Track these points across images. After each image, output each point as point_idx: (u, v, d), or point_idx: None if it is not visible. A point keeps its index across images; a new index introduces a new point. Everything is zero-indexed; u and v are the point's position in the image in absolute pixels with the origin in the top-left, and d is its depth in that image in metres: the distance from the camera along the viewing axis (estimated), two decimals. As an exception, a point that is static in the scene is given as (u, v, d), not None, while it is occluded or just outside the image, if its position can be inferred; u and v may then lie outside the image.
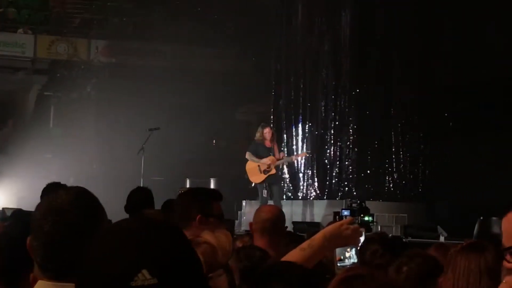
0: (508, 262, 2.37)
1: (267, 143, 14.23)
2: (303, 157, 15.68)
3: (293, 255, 3.10)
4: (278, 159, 14.20)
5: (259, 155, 14.21)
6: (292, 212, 15.61)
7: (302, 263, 3.01)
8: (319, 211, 15.33)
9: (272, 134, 14.36)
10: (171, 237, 1.54)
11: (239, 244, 5.07)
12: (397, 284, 1.90)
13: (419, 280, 3.87)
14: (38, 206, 2.26)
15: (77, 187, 2.35)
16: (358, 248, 3.36)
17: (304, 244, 3.14)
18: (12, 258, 2.74)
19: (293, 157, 15.03)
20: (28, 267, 2.28)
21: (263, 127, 14.50)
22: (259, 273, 2.16)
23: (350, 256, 3.19)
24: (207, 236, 3.36)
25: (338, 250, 3.18)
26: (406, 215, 14.54)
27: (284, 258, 3.06)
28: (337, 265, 3.19)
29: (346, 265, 3.13)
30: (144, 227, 1.54)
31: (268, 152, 14.18)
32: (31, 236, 2.22)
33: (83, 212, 2.23)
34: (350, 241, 3.21)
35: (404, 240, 11.76)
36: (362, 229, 3.30)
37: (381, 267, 4.51)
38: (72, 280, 2.14)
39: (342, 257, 3.17)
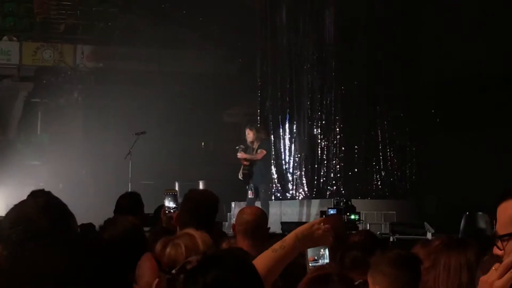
0: (500, 249, 2.41)
1: (254, 145, 14.24)
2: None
3: (265, 256, 3.13)
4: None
5: None
6: (281, 212, 15.63)
7: (275, 264, 3.05)
8: (308, 211, 15.34)
9: (254, 134, 14.29)
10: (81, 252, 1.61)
11: (225, 246, 5.07)
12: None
13: None
14: (7, 215, 2.26)
15: (46, 194, 2.35)
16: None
17: (276, 245, 3.17)
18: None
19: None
20: None
21: (245, 130, 14.64)
22: (197, 262, 2.19)
23: (324, 256, 3.21)
24: (187, 230, 3.40)
25: (310, 251, 3.21)
26: (394, 212, 14.56)
27: (256, 259, 3.08)
28: (309, 265, 3.22)
29: (319, 265, 3.17)
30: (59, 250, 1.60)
31: (252, 153, 14.23)
32: (1, 245, 2.23)
33: (51, 221, 2.23)
34: (322, 242, 3.23)
35: (391, 238, 11.82)
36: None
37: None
38: None
39: (316, 257, 3.19)
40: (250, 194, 14.27)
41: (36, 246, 1.64)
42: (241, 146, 14.57)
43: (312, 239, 3.20)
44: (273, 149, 16.80)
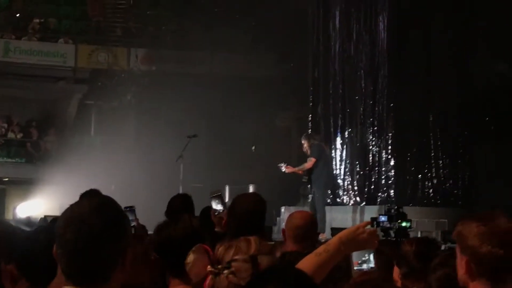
0: None
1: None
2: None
3: (309, 260, 3.09)
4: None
5: None
6: (331, 218, 15.56)
7: (318, 268, 3.01)
8: (358, 217, 15.26)
9: (307, 143, 14.68)
10: None
11: (277, 253, 5.00)
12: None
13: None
14: (63, 214, 2.31)
15: (101, 196, 2.38)
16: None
17: (320, 249, 3.13)
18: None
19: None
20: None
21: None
22: (256, 275, 2.19)
23: (369, 260, 3.18)
24: (250, 237, 3.42)
25: (355, 255, 3.17)
26: (446, 220, 14.40)
27: (299, 263, 3.05)
28: (354, 269, 3.19)
29: (363, 269, 3.13)
30: None
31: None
32: (56, 243, 2.27)
33: (105, 221, 2.26)
34: (367, 245, 3.18)
35: (443, 246, 11.68)
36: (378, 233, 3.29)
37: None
38: (95, 287, 2.20)
39: (359, 262, 3.16)
40: (310, 199, 14.83)
41: None
42: (280, 164, 15.00)
43: (357, 243, 3.15)
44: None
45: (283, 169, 14.90)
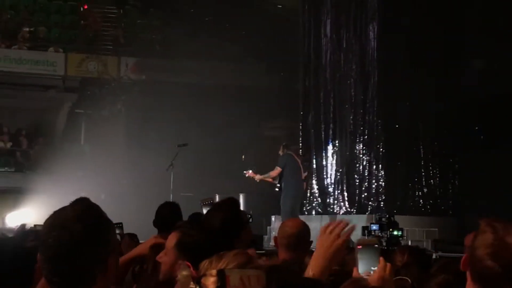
0: None
1: None
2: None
3: None
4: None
5: None
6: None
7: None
8: (349, 226, 15.20)
9: (281, 152, 15.48)
10: None
11: (264, 261, 4.95)
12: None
13: None
14: (46, 221, 2.29)
15: (84, 202, 2.35)
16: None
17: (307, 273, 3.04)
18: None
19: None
20: None
21: None
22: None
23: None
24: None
25: (361, 267, 2.98)
26: (436, 229, 14.39)
27: None
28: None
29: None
30: None
31: None
32: (39, 250, 2.25)
33: (86, 228, 2.23)
34: (338, 254, 3.07)
35: (434, 255, 11.66)
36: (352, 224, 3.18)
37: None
38: None
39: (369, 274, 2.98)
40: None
41: None
42: (245, 171, 15.54)
43: (337, 251, 3.06)
44: (314, 164, 16.78)
45: (251, 175, 15.18)
